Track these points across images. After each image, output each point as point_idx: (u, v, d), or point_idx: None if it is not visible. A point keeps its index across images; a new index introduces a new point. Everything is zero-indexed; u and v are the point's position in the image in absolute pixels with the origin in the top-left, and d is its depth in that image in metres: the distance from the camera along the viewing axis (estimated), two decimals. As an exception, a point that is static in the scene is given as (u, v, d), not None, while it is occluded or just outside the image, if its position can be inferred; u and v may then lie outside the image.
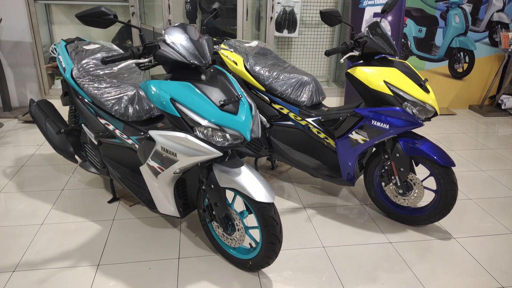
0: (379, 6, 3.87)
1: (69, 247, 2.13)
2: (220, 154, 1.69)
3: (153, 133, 1.81)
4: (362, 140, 2.23)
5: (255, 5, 4.46)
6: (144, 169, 1.98)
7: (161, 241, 2.20)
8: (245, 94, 1.82)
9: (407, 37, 4.53)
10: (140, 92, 2.20)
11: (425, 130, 4.09)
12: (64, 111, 3.75)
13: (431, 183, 2.80)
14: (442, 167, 2.13)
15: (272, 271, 1.99)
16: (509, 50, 4.46)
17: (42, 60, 4.00)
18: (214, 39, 2.74)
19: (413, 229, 2.36)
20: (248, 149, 2.77)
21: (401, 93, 2.08)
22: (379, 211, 2.55)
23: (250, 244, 2.02)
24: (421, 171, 3.00)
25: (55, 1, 3.98)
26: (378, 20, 2.27)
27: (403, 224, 2.41)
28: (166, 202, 2.02)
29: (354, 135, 2.26)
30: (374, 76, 2.12)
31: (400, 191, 2.29)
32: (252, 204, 1.78)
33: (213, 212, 1.94)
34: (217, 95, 1.70)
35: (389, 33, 3.89)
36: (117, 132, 2.20)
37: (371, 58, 2.24)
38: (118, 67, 1.68)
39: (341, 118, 2.32)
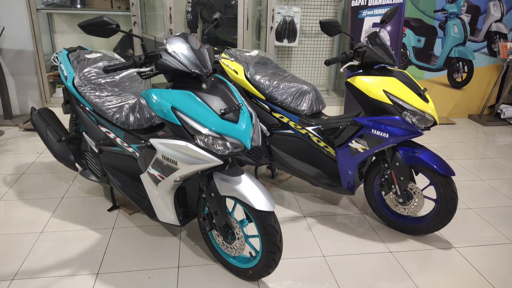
0: (378, 16, 3.91)
1: (68, 256, 2.12)
2: (221, 162, 1.70)
3: (153, 141, 1.82)
4: (362, 149, 2.24)
5: (256, 15, 4.51)
6: (144, 177, 1.99)
7: (160, 249, 2.19)
8: (245, 102, 1.83)
9: (406, 47, 4.57)
10: (141, 101, 2.21)
11: (424, 139, 4.10)
12: (65, 119, 3.76)
13: (431, 192, 2.80)
14: (442, 176, 2.13)
15: (272, 280, 1.98)
16: (508, 60, 4.50)
17: (44, 68, 4.02)
18: (215, 48, 2.76)
19: (414, 239, 2.36)
20: (248, 158, 2.77)
21: (400, 103, 2.09)
22: (379, 220, 2.55)
23: (250, 253, 2.01)
24: (421, 180, 3.00)
25: (57, 10, 4.02)
26: (377, 30, 2.29)
27: (403, 234, 2.40)
28: (166, 211, 2.02)
29: (354, 144, 2.26)
30: (373, 86, 2.14)
31: (400, 200, 2.29)
32: (252, 213, 1.78)
33: (213, 220, 1.94)
34: (217, 104, 1.71)
35: (388, 43, 3.93)
36: (118, 140, 2.20)
37: (370, 68, 2.25)
38: (120, 76, 1.70)
39: (341, 127, 2.33)
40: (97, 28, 1.58)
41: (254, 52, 2.84)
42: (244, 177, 1.79)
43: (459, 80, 4.77)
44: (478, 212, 2.69)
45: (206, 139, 1.68)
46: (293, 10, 4.25)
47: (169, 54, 1.70)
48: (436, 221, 2.23)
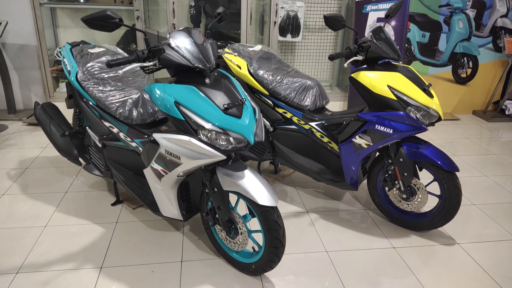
0: (383, 11, 3.88)
1: (72, 250, 2.13)
2: (224, 157, 1.70)
3: (157, 136, 1.82)
4: (366, 144, 2.23)
5: (259, 9, 4.48)
6: (147, 172, 1.99)
7: (164, 244, 2.20)
8: (248, 97, 1.82)
9: (411, 42, 4.54)
10: (145, 95, 2.21)
11: (428, 135, 4.09)
12: (68, 114, 3.77)
13: (435, 188, 2.79)
14: (446, 172, 2.12)
15: (275, 275, 1.99)
16: (513, 55, 4.46)
17: (47, 63, 4.02)
18: (218, 43, 2.75)
19: (417, 234, 2.35)
20: (251, 153, 2.77)
21: (405, 98, 2.08)
22: (382, 216, 2.54)
23: (253, 247, 2.02)
24: (424, 176, 2.99)
25: (60, 5, 4.02)
26: (382, 25, 2.27)
27: (406, 229, 2.40)
28: (169, 205, 2.02)
29: (357, 140, 2.26)
30: (377, 81, 2.13)
31: (404, 196, 2.29)
32: (255, 208, 1.78)
33: (216, 215, 1.94)
34: (221, 99, 1.70)
35: (392, 38, 3.90)
36: (121, 135, 2.20)
37: (374, 63, 2.24)
38: (123, 70, 1.69)
39: (344, 122, 2.33)
40: (100, 22, 1.57)
41: (258, 47, 2.82)
42: (247, 172, 1.78)
43: (463, 75, 4.74)
44: (482, 208, 2.68)
45: (209, 134, 1.67)
46: (297, 4, 4.23)
47: (172, 48, 1.70)
48: (440, 217, 2.22)
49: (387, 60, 2.26)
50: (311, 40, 4.61)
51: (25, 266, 2.00)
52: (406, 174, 2.21)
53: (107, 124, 2.26)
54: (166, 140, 1.78)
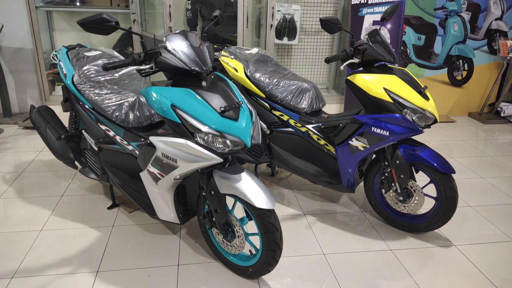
0: (379, 14, 3.90)
1: (68, 254, 2.12)
2: (221, 160, 1.69)
3: (153, 139, 1.82)
4: (362, 147, 2.24)
5: (255, 12, 4.49)
6: (144, 175, 1.98)
7: (160, 247, 2.19)
8: (245, 100, 1.82)
9: (406, 45, 4.56)
10: (141, 98, 2.21)
11: (424, 137, 4.10)
12: (64, 117, 3.75)
13: (431, 190, 2.80)
14: (442, 174, 2.13)
15: (272, 278, 1.98)
16: (508, 58, 4.49)
17: (43, 66, 4.01)
18: (215, 46, 2.75)
19: (414, 237, 2.35)
20: (248, 156, 2.77)
21: (401, 100, 2.09)
22: (379, 218, 2.55)
23: (250, 251, 2.01)
24: (421, 178, 3.00)
25: (56, 8, 4.01)
26: (378, 28, 2.28)
27: (403, 231, 2.40)
28: (166, 209, 2.02)
29: (354, 142, 2.26)
30: (374, 83, 2.13)
31: (400, 198, 2.29)
32: (252, 211, 1.78)
33: (213, 218, 1.94)
34: (217, 102, 1.70)
35: (388, 40, 3.92)
36: (118, 138, 2.20)
37: (370, 66, 2.25)
38: (119, 73, 1.69)
39: (341, 125, 2.33)
40: (96, 25, 1.57)
41: (254, 50, 2.83)
42: (244, 175, 1.78)
43: (459, 78, 4.77)
44: (478, 210, 2.69)
45: (206, 137, 1.67)
46: (293, 8, 4.24)
47: (169, 51, 1.70)
48: (436, 219, 2.23)
49: (383, 62, 2.27)
50: (308, 43, 4.63)
51: (21, 270, 1.99)
52: (402, 176, 2.21)
53: (103, 127, 2.25)
54: (162, 143, 1.77)
